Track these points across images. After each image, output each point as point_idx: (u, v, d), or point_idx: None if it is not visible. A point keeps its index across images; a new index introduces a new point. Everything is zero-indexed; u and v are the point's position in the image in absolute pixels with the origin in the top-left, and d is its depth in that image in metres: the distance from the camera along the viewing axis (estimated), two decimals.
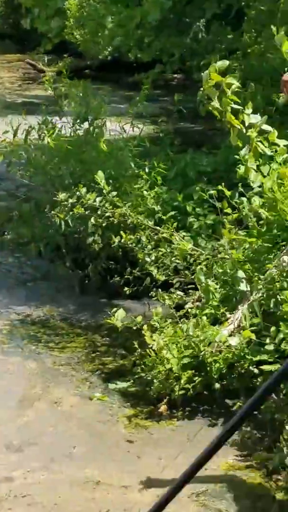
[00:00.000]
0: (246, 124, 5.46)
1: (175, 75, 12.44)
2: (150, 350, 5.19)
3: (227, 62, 5.55)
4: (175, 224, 6.45)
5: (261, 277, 5.43)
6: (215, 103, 5.41)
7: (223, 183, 6.08)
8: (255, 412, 4.79)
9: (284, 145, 5.71)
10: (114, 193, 6.52)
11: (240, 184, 6.03)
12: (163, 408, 5.08)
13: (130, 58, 11.16)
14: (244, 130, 5.51)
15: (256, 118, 5.57)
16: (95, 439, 4.81)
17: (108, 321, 5.56)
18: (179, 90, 10.57)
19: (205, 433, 4.83)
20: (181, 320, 5.53)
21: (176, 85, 12.18)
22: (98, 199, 6.44)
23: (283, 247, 5.52)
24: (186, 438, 4.81)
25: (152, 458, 4.58)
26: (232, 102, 5.33)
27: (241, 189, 6.06)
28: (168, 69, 9.93)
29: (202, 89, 5.32)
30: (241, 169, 5.75)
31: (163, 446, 4.71)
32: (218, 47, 9.26)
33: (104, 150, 7.26)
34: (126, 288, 6.31)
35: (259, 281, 5.40)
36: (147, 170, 7.36)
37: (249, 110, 5.54)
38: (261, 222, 5.79)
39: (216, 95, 5.35)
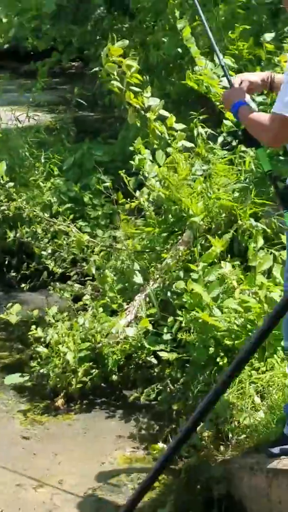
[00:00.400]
0: (146, 106, 5.55)
1: (74, 63, 12.38)
2: (43, 344, 5.21)
3: (126, 42, 5.64)
4: (71, 215, 6.45)
5: (158, 266, 5.46)
6: (115, 82, 5.49)
7: (120, 173, 6.09)
8: (150, 400, 4.87)
9: (181, 130, 5.79)
10: (11, 184, 6.45)
11: (141, 173, 5.99)
12: (59, 402, 5.05)
13: (27, 47, 11.06)
14: (142, 112, 5.60)
15: (154, 101, 5.67)
16: None
17: (2, 316, 5.53)
18: (77, 78, 10.64)
19: (103, 425, 4.86)
20: (79, 312, 5.53)
21: (75, 73, 12.08)
22: None
23: (179, 236, 5.54)
24: (83, 431, 4.80)
25: (48, 454, 4.54)
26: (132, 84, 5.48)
27: (141, 177, 6.02)
28: (64, 58, 9.92)
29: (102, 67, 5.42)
30: (136, 160, 5.80)
31: (59, 441, 4.69)
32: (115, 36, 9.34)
33: None
34: (23, 284, 6.24)
35: (156, 271, 5.42)
36: (43, 160, 7.32)
37: (148, 94, 5.62)
38: (158, 211, 5.84)
39: (115, 70, 5.43)
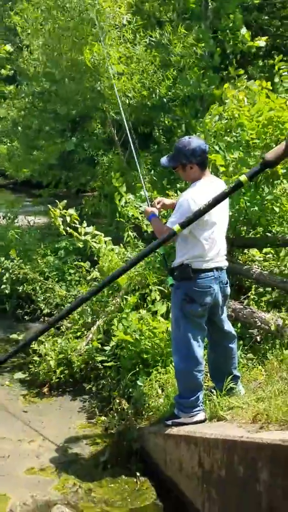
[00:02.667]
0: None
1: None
2: (37, 354, 5.18)
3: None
4: (56, 278, 6.40)
5: (105, 310, 5.40)
6: (61, 226, 5.50)
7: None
8: (98, 390, 4.84)
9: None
10: (21, 260, 6.42)
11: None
12: (45, 390, 4.99)
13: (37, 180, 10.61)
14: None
15: (90, 228, 5.68)
16: (2, 411, 4.64)
17: (12, 336, 5.50)
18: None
19: (70, 404, 4.80)
20: (58, 336, 5.44)
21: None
22: (10, 263, 6.37)
23: (117, 292, 5.54)
24: (59, 408, 4.75)
25: (37, 422, 4.48)
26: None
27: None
28: (59, 188, 9.44)
29: None
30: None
31: (45, 414, 4.62)
32: None
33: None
34: (26, 317, 6.18)
35: (103, 313, 5.38)
36: (42, 246, 7.23)
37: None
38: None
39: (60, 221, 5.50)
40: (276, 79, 5.88)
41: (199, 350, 3.61)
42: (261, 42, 7.71)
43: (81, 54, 6.73)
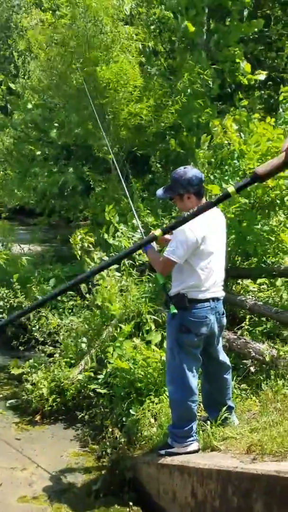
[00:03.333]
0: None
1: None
2: (29, 382, 5.16)
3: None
4: (49, 307, 6.33)
5: (99, 338, 5.38)
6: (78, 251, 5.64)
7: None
8: (91, 418, 4.81)
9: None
10: (18, 287, 6.43)
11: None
12: (38, 417, 4.98)
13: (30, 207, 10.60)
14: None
15: (100, 254, 5.81)
16: None
17: (11, 370, 5.48)
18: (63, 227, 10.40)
19: (62, 432, 4.78)
20: (51, 364, 5.43)
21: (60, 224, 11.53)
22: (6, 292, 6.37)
23: (110, 321, 5.53)
24: (51, 436, 4.73)
25: (30, 450, 4.46)
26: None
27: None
28: (52, 218, 9.39)
29: None
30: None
31: (37, 442, 4.60)
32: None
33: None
34: (21, 347, 6.07)
35: (96, 342, 5.37)
36: (36, 273, 7.25)
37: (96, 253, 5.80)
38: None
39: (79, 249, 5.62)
40: (280, 110, 6.03)
41: (194, 380, 3.61)
42: (261, 75, 7.95)
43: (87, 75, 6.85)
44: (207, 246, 3.52)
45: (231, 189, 1.90)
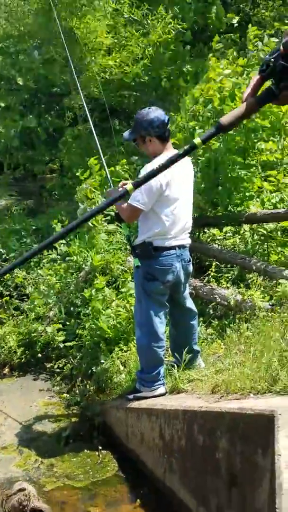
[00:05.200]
0: None
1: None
2: None
3: None
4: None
5: (66, 290, 5.33)
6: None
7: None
8: (60, 369, 4.79)
9: None
10: None
11: None
12: (6, 370, 4.93)
13: None
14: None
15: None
16: None
17: None
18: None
19: (31, 384, 4.75)
20: (19, 317, 5.36)
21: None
22: None
23: (79, 273, 5.44)
24: (20, 387, 4.70)
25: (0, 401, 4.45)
26: None
27: None
28: (17, 173, 8.88)
29: None
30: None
31: (6, 394, 4.57)
32: None
33: None
34: None
35: (65, 293, 5.32)
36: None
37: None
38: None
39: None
40: (250, 47, 5.93)
41: (161, 326, 3.61)
42: (234, 19, 8.13)
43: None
44: (172, 192, 3.45)
45: (197, 140, 1.83)
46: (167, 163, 1.97)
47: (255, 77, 1.70)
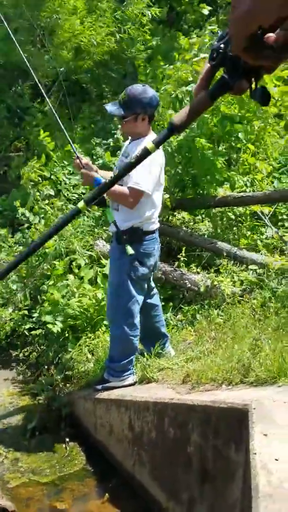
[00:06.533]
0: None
1: None
2: None
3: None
4: None
5: (32, 276, 5.15)
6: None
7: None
8: (26, 357, 4.63)
9: None
10: None
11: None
12: None
13: None
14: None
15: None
16: None
17: None
18: None
19: None
20: None
21: None
22: None
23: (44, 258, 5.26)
24: None
25: None
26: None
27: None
28: None
29: None
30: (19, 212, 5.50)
31: None
32: None
33: None
34: None
35: (30, 280, 5.14)
36: None
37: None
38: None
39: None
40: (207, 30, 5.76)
41: (138, 315, 3.45)
42: (205, 10, 8.05)
43: None
44: (162, 177, 3.40)
45: (150, 145, 1.66)
46: (141, 155, 1.77)
47: (205, 67, 1.51)
